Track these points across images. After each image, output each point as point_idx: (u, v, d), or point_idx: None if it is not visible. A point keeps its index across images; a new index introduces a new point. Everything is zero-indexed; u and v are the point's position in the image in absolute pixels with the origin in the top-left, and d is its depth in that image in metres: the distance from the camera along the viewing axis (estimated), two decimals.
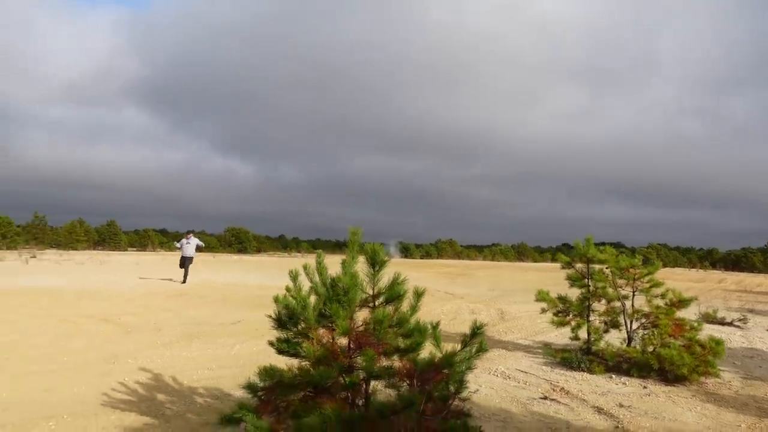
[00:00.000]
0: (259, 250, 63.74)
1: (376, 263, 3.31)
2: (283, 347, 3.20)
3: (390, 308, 3.24)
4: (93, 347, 7.16)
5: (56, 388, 5.22)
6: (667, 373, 6.25)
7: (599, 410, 5.14)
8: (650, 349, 6.59)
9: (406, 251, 71.98)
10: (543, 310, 7.53)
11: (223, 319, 10.00)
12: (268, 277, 21.75)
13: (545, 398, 5.42)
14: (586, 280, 7.29)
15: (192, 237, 16.81)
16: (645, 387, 6.04)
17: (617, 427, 4.70)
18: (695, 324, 6.92)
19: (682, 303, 7.02)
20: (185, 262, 16.41)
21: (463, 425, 3.13)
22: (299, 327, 3.22)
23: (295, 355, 3.14)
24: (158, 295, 13.43)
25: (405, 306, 3.47)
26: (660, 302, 7.06)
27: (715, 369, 6.31)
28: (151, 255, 39.08)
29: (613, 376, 6.46)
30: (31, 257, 28.03)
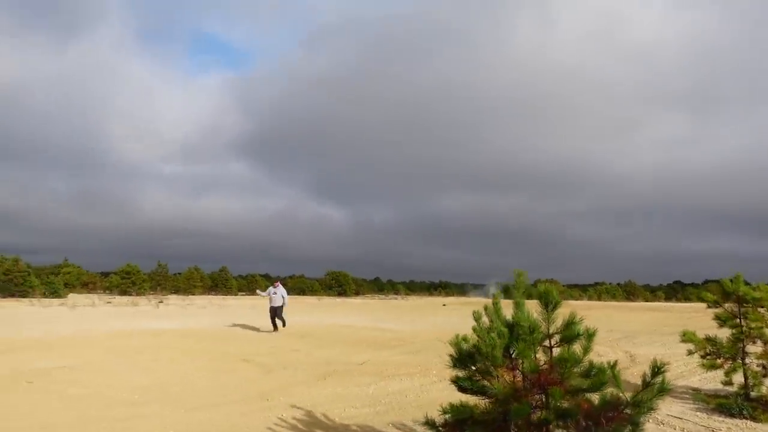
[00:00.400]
0: (357, 293, 65.10)
1: (549, 303, 3.43)
2: (466, 384, 3.38)
3: (573, 347, 3.33)
4: (244, 384, 7.76)
5: (228, 420, 5.74)
6: None
7: None
8: None
9: (506, 293, 69.87)
10: (690, 352, 7.11)
11: (349, 359, 10.37)
12: (376, 319, 22.21)
13: None
14: (738, 320, 6.83)
15: (280, 286, 15.38)
16: None
17: None
18: None
19: None
20: (274, 312, 15.05)
21: None
22: (479, 365, 3.39)
23: (480, 392, 3.31)
24: (282, 336, 14.20)
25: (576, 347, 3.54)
26: None
27: None
28: (262, 299, 41.35)
29: None
30: (159, 302, 30.71)
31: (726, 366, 6.86)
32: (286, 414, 6.07)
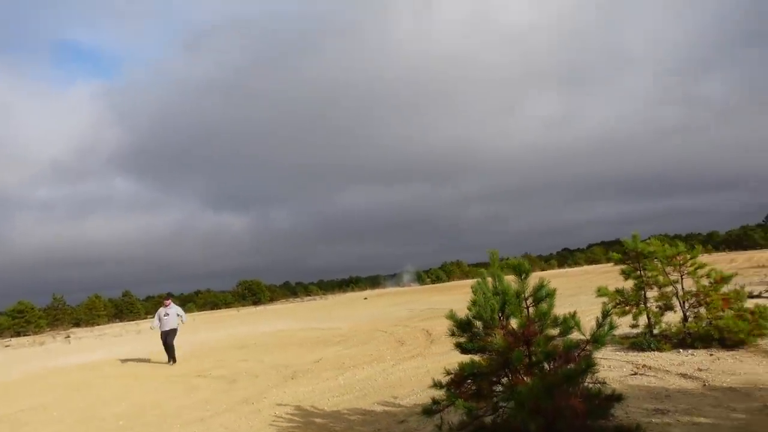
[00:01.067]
0: (271, 300, 64.27)
1: (522, 272, 4.33)
2: (468, 346, 4.19)
3: (540, 308, 4.24)
4: (219, 396, 8.05)
5: (229, 427, 6.12)
6: (726, 341, 7.25)
7: (684, 376, 6.11)
8: (706, 322, 7.60)
9: (419, 278, 72.80)
10: (604, 304, 8.51)
11: (303, 360, 10.85)
12: (306, 320, 22.59)
13: (635, 374, 6.39)
14: (639, 272, 8.33)
15: (172, 304, 12.91)
16: (711, 354, 7.03)
17: (705, 384, 5.68)
18: (740, 295, 7.94)
19: (725, 279, 8.05)
20: (168, 337, 12.39)
21: (600, 390, 4.12)
22: (476, 330, 4.22)
23: (480, 350, 4.13)
24: (220, 350, 14.25)
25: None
26: (705, 281, 8.08)
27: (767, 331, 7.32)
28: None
29: (681, 350, 7.44)
30: (66, 337, 28.64)
31: (633, 311, 8.36)
32: (279, 411, 6.55)
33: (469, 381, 4.15)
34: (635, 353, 7.61)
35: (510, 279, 4.44)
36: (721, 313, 7.60)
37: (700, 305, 7.96)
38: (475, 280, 4.40)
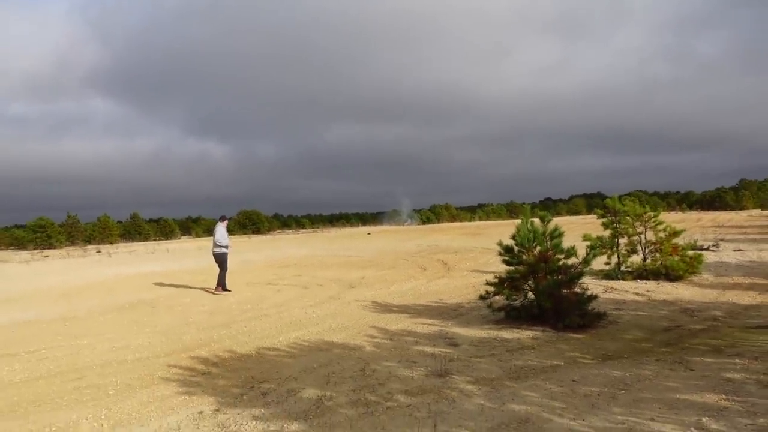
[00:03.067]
0: (269, 230, 67.38)
1: (544, 220, 7.22)
2: (511, 259, 7.16)
3: (555, 242, 7.17)
4: (305, 295, 11.03)
5: (336, 310, 9.11)
6: (670, 276, 10.38)
7: (637, 293, 9.23)
8: (659, 263, 10.71)
9: (416, 217, 76.63)
10: (589, 245, 11.58)
11: (349, 277, 13.86)
12: (323, 249, 25.65)
13: (605, 291, 9.50)
14: (615, 224, 11.35)
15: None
16: (658, 284, 10.17)
17: (648, 299, 8.79)
18: (686, 246, 11.05)
19: (676, 233, 11.12)
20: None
21: (585, 291, 7.13)
22: (515, 251, 7.16)
23: (517, 263, 7.10)
24: (268, 268, 17.26)
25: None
26: (662, 234, 11.14)
27: (699, 271, 10.49)
28: (191, 242, 42.85)
29: (638, 281, 10.58)
30: (97, 251, 31.48)
31: (608, 252, 11.44)
32: (362, 303, 9.55)
33: (509, 281, 7.15)
34: (607, 281, 10.73)
35: (536, 221, 7.36)
36: (670, 257, 10.70)
37: (656, 251, 11.06)
38: (519, 219, 7.31)
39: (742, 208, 61.70)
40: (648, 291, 9.43)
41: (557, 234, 7.19)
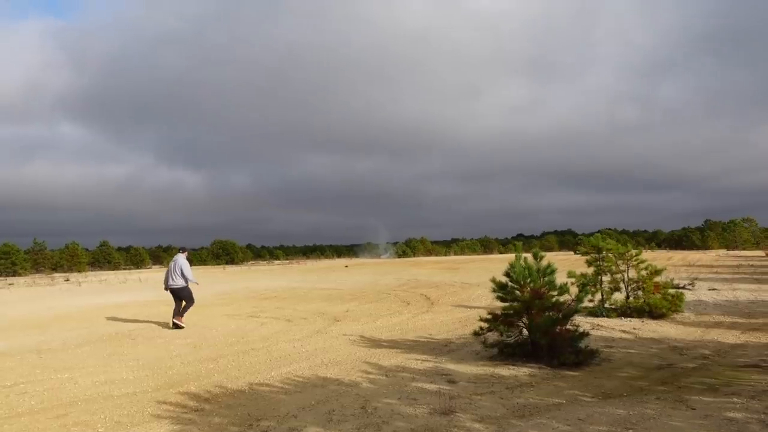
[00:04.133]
0: (242, 261, 66.41)
1: (537, 257, 7.30)
2: (505, 296, 7.18)
3: (548, 278, 7.23)
4: (290, 329, 10.82)
5: (317, 345, 8.94)
6: (653, 313, 10.54)
7: (623, 331, 9.34)
8: (641, 300, 10.88)
9: (394, 251, 76.59)
10: (578, 281, 11.72)
11: (333, 310, 13.68)
12: (301, 281, 25.33)
13: (594, 329, 9.57)
14: (599, 262, 11.54)
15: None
16: (642, 321, 10.31)
17: (636, 336, 8.89)
18: (667, 284, 11.28)
19: (657, 272, 11.35)
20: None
21: (577, 328, 7.18)
22: (509, 287, 7.19)
23: (512, 300, 7.12)
24: (248, 300, 16.93)
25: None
26: (644, 272, 11.36)
27: (681, 309, 10.69)
28: (163, 271, 41.79)
29: (622, 318, 10.71)
30: (66, 280, 30.43)
31: (591, 289, 11.58)
32: (349, 338, 9.40)
33: (503, 317, 7.15)
34: (592, 318, 10.83)
35: (528, 257, 7.43)
36: (653, 295, 10.89)
37: (639, 289, 11.24)
38: (513, 255, 7.36)
39: (707, 248, 63.56)
40: (634, 329, 9.54)
41: (550, 271, 7.27)
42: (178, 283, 11.14)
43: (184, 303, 11.19)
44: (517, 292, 7.18)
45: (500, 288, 7.35)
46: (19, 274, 37.85)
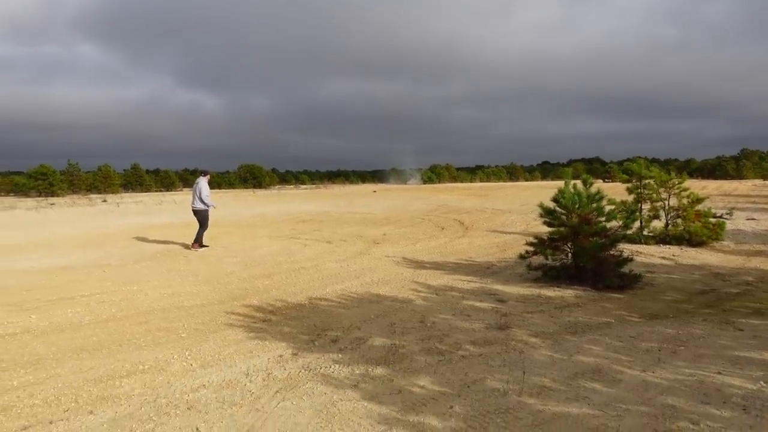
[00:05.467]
0: (269, 185, 67.37)
1: (587, 183, 7.33)
2: (552, 221, 7.30)
3: (596, 205, 7.29)
4: (333, 250, 11.20)
5: (378, 265, 9.29)
6: (692, 241, 10.59)
7: (663, 257, 9.45)
8: (681, 228, 10.90)
9: (420, 177, 76.75)
10: (625, 207, 11.72)
11: (371, 233, 14.03)
12: (334, 206, 25.77)
13: (633, 255, 9.70)
14: (639, 189, 11.48)
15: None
16: (682, 248, 10.39)
17: (676, 263, 9.01)
18: (708, 212, 11.22)
19: (699, 201, 11.27)
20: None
21: (621, 252, 7.31)
22: (557, 213, 7.29)
23: (560, 225, 7.24)
24: (286, 222, 17.40)
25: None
26: (685, 201, 11.29)
27: (722, 237, 10.69)
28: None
29: (661, 245, 10.79)
30: (103, 201, 31.48)
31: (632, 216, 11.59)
32: (392, 259, 9.73)
33: (550, 242, 7.31)
34: (629, 245, 10.93)
35: (577, 183, 7.46)
36: (692, 223, 10.88)
37: (679, 217, 11.23)
38: (563, 181, 7.41)
39: (742, 178, 61.96)
40: (674, 255, 9.64)
41: (599, 197, 7.31)
42: (198, 206, 11.48)
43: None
44: (564, 217, 7.28)
45: (548, 213, 7.46)
46: (58, 195, 39.22)
